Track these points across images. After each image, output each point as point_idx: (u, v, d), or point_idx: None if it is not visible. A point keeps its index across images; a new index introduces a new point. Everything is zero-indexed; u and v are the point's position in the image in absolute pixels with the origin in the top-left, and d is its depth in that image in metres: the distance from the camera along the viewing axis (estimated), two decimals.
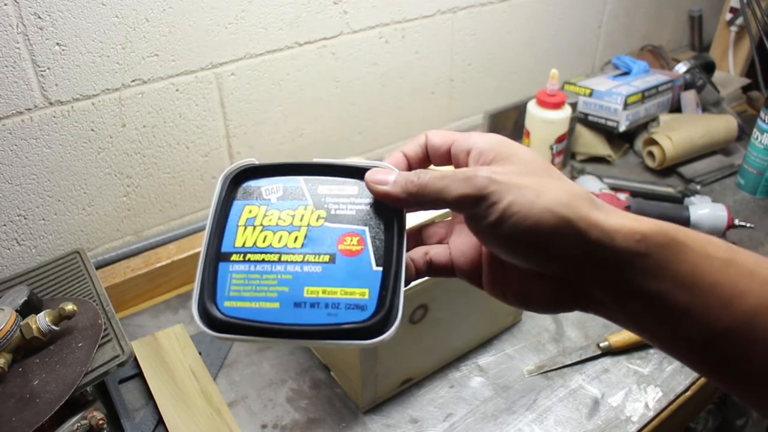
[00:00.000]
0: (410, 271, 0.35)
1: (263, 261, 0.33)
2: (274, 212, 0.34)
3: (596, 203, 0.30)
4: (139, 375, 0.71)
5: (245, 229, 0.34)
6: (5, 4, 0.64)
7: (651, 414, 0.66)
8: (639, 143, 1.15)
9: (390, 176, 0.33)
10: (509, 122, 1.14)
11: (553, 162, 0.98)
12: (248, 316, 0.32)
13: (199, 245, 0.85)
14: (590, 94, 1.11)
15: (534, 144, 0.98)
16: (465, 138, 0.34)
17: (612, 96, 1.08)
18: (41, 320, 0.57)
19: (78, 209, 0.79)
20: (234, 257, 0.33)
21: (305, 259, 0.33)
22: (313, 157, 0.36)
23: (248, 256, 0.33)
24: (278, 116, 0.91)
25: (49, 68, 0.69)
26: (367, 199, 0.35)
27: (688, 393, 0.70)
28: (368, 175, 0.34)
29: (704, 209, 0.90)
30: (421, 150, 0.36)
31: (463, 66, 1.10)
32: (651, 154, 1.11)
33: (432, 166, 0.37)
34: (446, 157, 0.35)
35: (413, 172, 0.33)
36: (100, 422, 0.59)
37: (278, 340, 0.32)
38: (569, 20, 1.22)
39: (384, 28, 0.95)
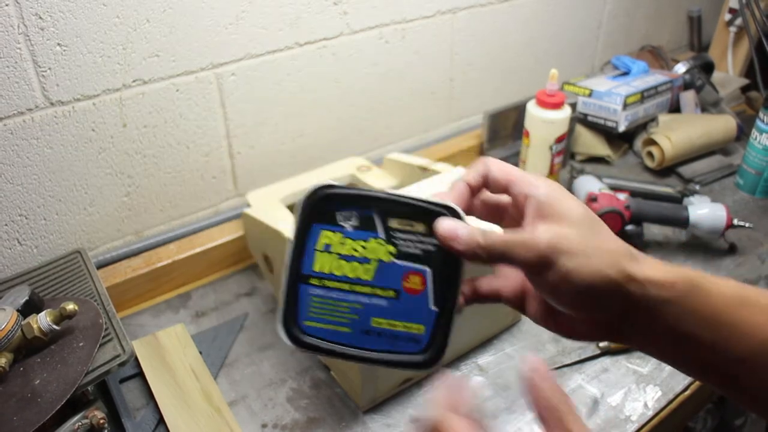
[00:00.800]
0: (459, 306, 0.39)
1: (338, 289, 0.37)
2: (348, 241, 0.37)
3: (633, 255, 0.35)
4: (140, 374, 0.71)
5: (322, 254, 0.37)
6: (6, 5, 0.64)
7: (650, 413, 0.67)
8: (638, 143, 1.16)
9: (459, 230, 0.36)
10: (509, 122, 1.14)
11: (552, 162, 0.99)
12: (325, 336, 0.38)
13: (200, 245, 0.86)
14: (590, 95, 1.11)
15: (534, 144, 0.98)
16: (524, 182, 0.37)
17: (611, 96, 1.09)
18: (42, 320, 0.57)
19: (79, 209, 0.79)
20: (312, 281, 0.37)
21: (374, 292, 0.37)
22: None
23: (325, 282, 0.37)
24: (278, 116, 0.91)
25: (50, 68, 0.69)
26: (434, 239, 0.37)
27: (687, 392, 0.70)
28: (438, 226, 0.36)
29: (703, 209, 0.90)
30: (482, 179, 0.39)
31: (463, 66, 1.10)
32: (650, 154, 1.11)
33: (486, 191, 0.40)
34: (503, 189, 0.38)
35: (479, 231, 0.35)
36: (101, 421, 0.59)
37: (350, 362, 0.38)
38: (569, 20, 1.22)
39: (384, 28, 0.96)
